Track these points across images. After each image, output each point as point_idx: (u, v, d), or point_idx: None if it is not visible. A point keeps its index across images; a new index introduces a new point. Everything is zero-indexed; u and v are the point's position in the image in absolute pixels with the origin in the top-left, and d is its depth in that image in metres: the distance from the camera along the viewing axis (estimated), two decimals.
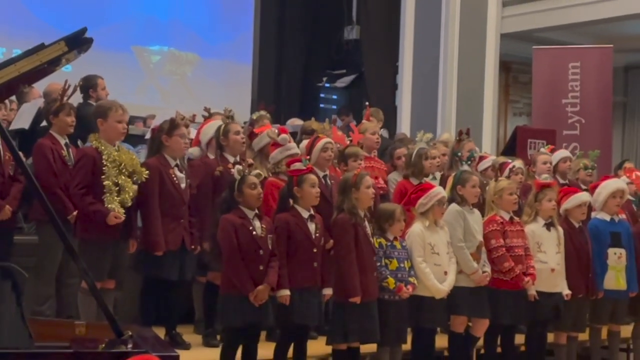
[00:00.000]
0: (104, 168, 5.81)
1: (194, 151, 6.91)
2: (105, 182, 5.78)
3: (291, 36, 15.09)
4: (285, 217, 5.82)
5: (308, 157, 6.48)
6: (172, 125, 6.23)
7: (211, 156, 6.77)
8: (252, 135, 7.03)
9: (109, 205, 5.76)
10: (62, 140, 6.43)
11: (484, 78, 12.04)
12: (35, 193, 4.11)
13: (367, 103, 9.46)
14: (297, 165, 6.01)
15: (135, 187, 5.96)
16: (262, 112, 7.73)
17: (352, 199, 6.03)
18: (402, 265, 6.22)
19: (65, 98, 6.52)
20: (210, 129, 6.89)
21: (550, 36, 12.31)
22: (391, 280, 6.12)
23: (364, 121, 8.11)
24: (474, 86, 11.95)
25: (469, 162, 7.84)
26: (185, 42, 13.84)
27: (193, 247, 6.26)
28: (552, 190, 7.07)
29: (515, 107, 14.04)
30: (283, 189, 6.00)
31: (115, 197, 5.80)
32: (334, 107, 14.41)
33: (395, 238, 6.27)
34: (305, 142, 6.91)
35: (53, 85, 7.49)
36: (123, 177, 5.86)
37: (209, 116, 7.16)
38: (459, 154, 7.85)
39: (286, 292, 5.67)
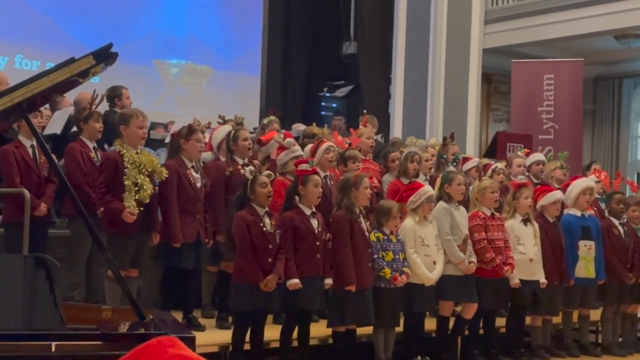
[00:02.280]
0: (125, 169, 5.81)
1: (207, 155, 6.90)
2: (125, 182, 5.78)
3: (295, 51, 15.10)
4: (290, 215, 5.83)
5: (313, 158, 6.50)
6: (189, 131, 6.23)
7: (222, 158, 6.77)
8: (259, 142, 7.02)
9: (126, 203, 5.76)
10: (91, 144, 6.45)
11: (467, 88, 12.04)
12: (67, 192, 4.11)
13: (364, 111, 9.47)
14: (304, 166, 6.03)
15: (154, 186, 5.97)
16: (272, 117, 7.74)
17: (351, 198, 6.03)
18: (397, 256, 6.22)
19: (93, 106, 6.53)
20: (219, 134, 6.89)
21: (527, 51, 12.31)
22: (387, 270, 6.13)
23: (360, 127, 8.11)
24: (459, 95, 11.95)
25: (455, 164, 7.85)
26: (201, 56, 13.84)
27: (207, 240, 6.26)
28: (528, 190, 7.09)
29: (496, 114, 14.03)
30: (289, 188, 6.01)
31: (133, 196, 5.80)
32: (333, 114, 14.40)
33: (392, 232, 6.28)
34: (310, 146, 6.93)
35: (82, 94, 7.49)
36: (142, 177, 5.85)
37: (223, 123, 7.16)
38: (445, 156, 7.86)
39: (296, 281, 5.69)
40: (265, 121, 7.87)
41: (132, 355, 2.36)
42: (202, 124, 6.89)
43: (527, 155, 8.53)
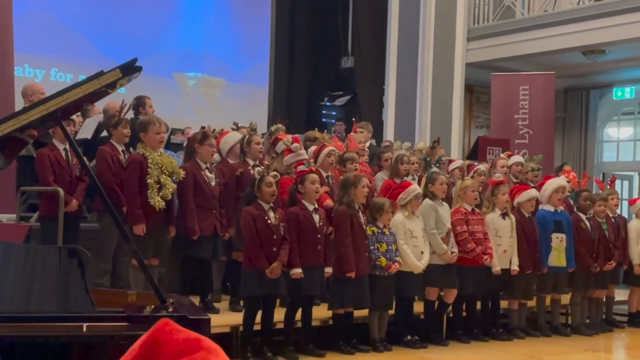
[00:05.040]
0: (148, 169, 5.81)
1: (215, 157, 6.88)
2: (149, 181, 5.79)
3: (299, 64, 15.08)
4: (295, 210, 5.84)
5: (310, 160, 6.51)
6: (203, 136, 6.24)
7: (231, 161, 6.76)
8: (275, 141, 7.03)
9: (150, 200, 5.76)
10: (120, 148, 6.44)
11: (452, 98, 12.02)
12: (96, 189, 4.10)
13: (353, 119, 9.55)
14: (302, 167, 6.04)
15: (174, 185, 5.98)
16: (279, 125, 7.75)
17: (351, 195, 6.06)
18: (390, 247, 6.24)
19: (122, 114, 6.54)
20: (230, 139, 6.86)
21: (505, 65, 12.29)
22: (383, 259, 6.15)
23: (352, 133, 8.16)
24: (444, 104, 11.93)
25: (438, 165, 7.88)
26: (215, 69, 13.83)
27: (222, 233, 6.26)
28: (505, 186, 7.12)
29: (477, 121, 13.98)
30: (292, 187, 6.01)
31: (156, 193, 5.80)
32: (333, 121, 14.41)
33: (385, 226, 6.29)
34: (313, 149, 6.93)
35: (110, 103, 7.49)
36: (164, 177, 5.87)
37: (236, 129, 7.15)
38: (428, 158, 7.90)
39: (298, 270, 5.68)
40: (273, 129, 7.87)
41: (142, 351, 2.16)
42: (216, 130, 6.89)
43: (509, 157, 8.58)
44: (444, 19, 11.99)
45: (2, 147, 3.14)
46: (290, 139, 6.68)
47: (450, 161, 8.26)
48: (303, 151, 6.68)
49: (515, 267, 7.00)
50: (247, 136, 6.66)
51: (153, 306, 3.10)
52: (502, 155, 8.73)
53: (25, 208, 7.19)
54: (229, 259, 6.59)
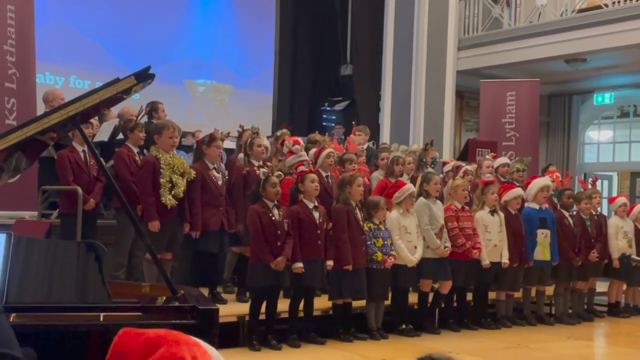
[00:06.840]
0: (161, 170, 5.82)
1: (242, 157, 6.85)
2: (161, 181, 5.79)
3: (302, 72, 15.08)
4: (296, 208, 5.84)
5: (310, 161, 6.51)
6: (210, 138, 6.25)
7: (255, 162, 6.73)
8: (282, 142, 7.03)
9: (163, 198, 5.76)
10: (136, 150, 6.45)
11: (443, 103, 12.02)
12: (112, 189, 4.10)
13: (352, 122, 9.56)
14: (302, 168, 6.06)
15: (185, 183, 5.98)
16: (284, 130, 7.75)
17: (347, 193, 6.05)
18: (385, 242, 6.24)
19: (139, 118, 6.55)
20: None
21: (493, 72, 12.29)
22: (379, 254, 6.15)
23: (351, 135, 8.15)
24: (437, 109, 11.93)
25: (433, 166, 7.87)
26: (224, 76, 13.82)
27: (230, 229, 6.26)
28: (494, 186, 7.12)
29: (467, 125, 13.97)
30: (292, 187, 6.01)
31: (168, 192, 5.80)
32: (333, 124, 14.41)
33: (380, 222, 6.28)
34: (313, 151, 6.93)
35: (125, 108, 7.50)
36: (176, 176, 5.87)
37: (242, 131, 7.14)
38: (424, 159, 7.89)
39: (300, 265, 5.68)
40: (278, 133, 7.88)
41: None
42: (222, 133, 6.88)
43: (494, 158, 8.59)
44: (436, 30, 11.99)
45: (25, 149, 3.14)
46: (292, 142, 6.69)
47: (445, 163, 8.33)
48: (303, 153, 6.69)
49: (505, 260, 6.99)
50: (249, 139, 6.67)
51: (165, 297, 3.10)
52: (487, 156, 8.76)
53: (46, 206, 7.20)
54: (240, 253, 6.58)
